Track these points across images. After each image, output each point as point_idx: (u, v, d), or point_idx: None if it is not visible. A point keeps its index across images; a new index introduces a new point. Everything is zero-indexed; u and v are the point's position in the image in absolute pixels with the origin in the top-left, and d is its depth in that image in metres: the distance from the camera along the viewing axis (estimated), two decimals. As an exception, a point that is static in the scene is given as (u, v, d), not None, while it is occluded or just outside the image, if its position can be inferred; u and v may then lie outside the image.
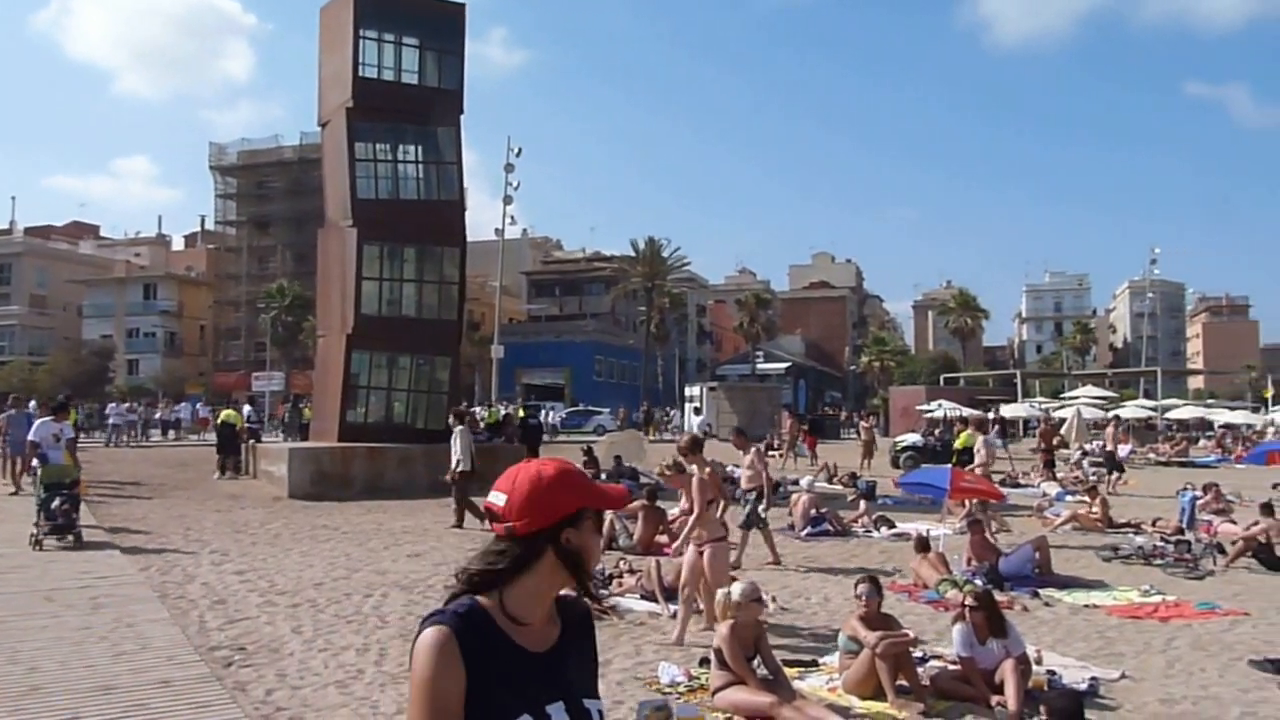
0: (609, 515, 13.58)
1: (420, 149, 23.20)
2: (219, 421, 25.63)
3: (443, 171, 22.88)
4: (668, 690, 7.05)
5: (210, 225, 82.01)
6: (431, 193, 22.87)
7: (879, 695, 6.81)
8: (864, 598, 7.22)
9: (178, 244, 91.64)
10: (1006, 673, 6.69)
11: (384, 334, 21.82)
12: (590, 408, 52.95)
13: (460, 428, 15.66)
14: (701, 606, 8.84)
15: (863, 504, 16.77)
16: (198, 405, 44.90)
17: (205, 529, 15.00)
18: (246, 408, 27.28)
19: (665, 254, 71.91)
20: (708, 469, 9.47)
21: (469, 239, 24.44)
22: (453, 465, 15.39)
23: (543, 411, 40.33)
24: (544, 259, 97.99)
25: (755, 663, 6.75)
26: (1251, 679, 7.68)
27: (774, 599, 10.06)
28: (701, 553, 8.69)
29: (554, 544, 1.91)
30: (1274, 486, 22.20)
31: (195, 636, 8.24)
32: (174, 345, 75.42)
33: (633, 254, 72.32)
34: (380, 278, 22.26)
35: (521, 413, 30.29)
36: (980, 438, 16.36)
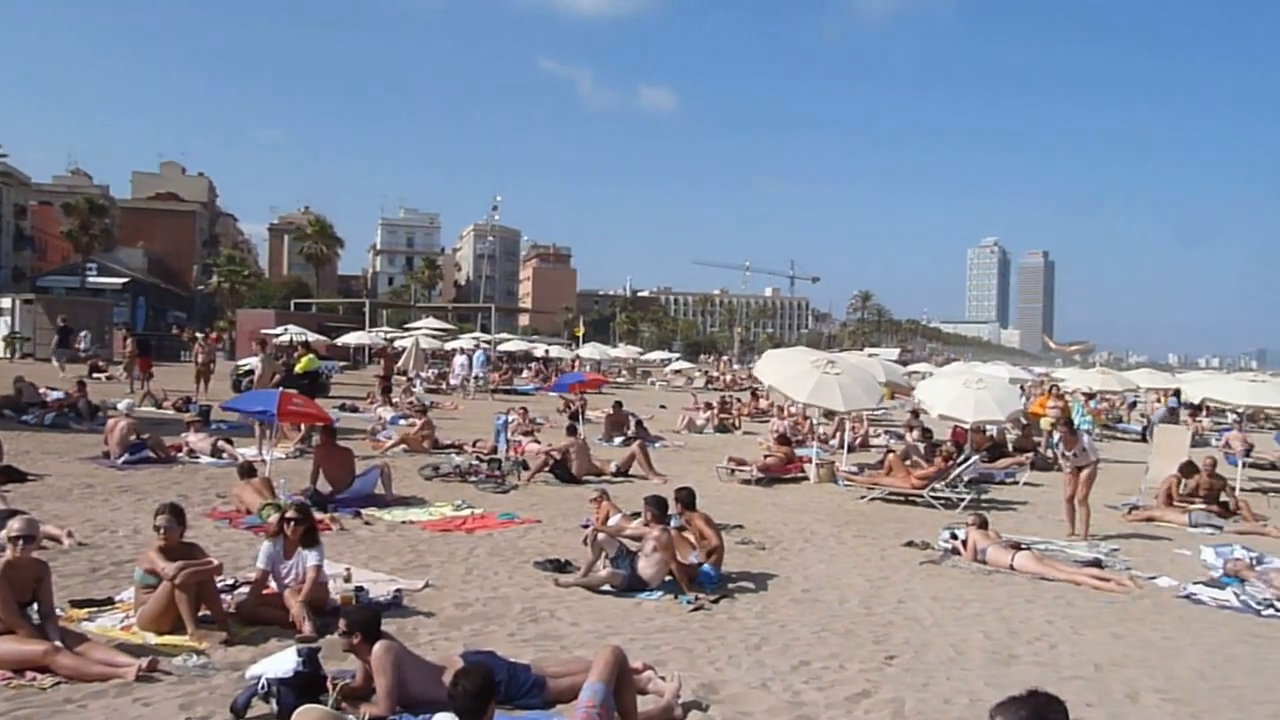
0: None
1: None
2: None
3: None
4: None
5: None
6: None
7: (179, 628, 6.42)
8: (163, 529, 6.71)
9: None
10: (288, 598, 6.73)
11: None
12: None
13: None
14: None
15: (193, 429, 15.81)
16: None
17: None
18: None
19: (-30, 140, 60.39)
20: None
21: None
22: None
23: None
24: None
25: (34, 608, 5.96)
26: (535, 578, 8.73)
27: (70, 534, 9.00)
28: None
29: None
30: (566, 407, 25.35)
31: None
32: None
33: (-76, 136, 59.55)
34: None
35: None
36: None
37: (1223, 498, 14.07)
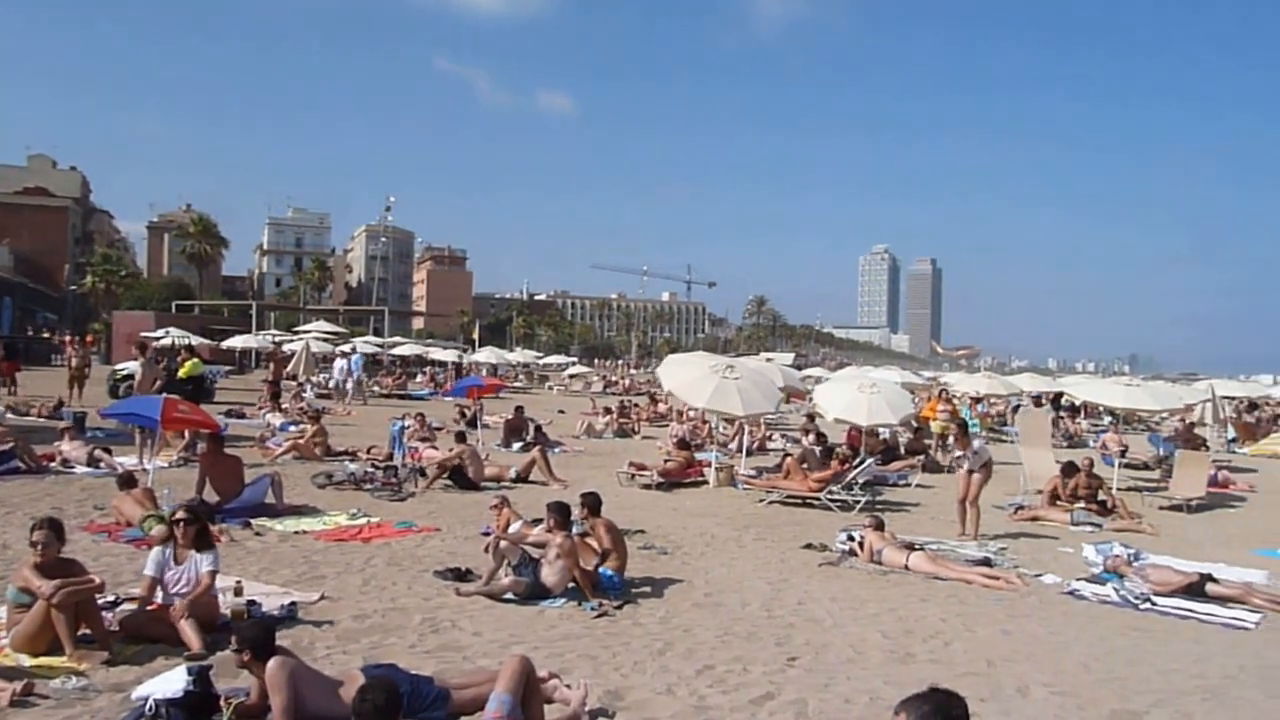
0: None
1: None
2: None
3: None
4: None
5: None
6: None
7: (57, 649, 6.08)
8: (41, 545, 6.34)
9: None
10: (175, 616, 6.41)
11: None
12: None
13: None
14: None
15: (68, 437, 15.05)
16: None
17: None
18: None
19: None
20: None
21: None
22: None
23: None
24: None
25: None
26: (435, 588, 8.54)
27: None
28: None
29: None
30: (461, 414, 24.97)
31: None
32: None
33: None
34: None
35: None
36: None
37: (1100, 496, 14.68)
